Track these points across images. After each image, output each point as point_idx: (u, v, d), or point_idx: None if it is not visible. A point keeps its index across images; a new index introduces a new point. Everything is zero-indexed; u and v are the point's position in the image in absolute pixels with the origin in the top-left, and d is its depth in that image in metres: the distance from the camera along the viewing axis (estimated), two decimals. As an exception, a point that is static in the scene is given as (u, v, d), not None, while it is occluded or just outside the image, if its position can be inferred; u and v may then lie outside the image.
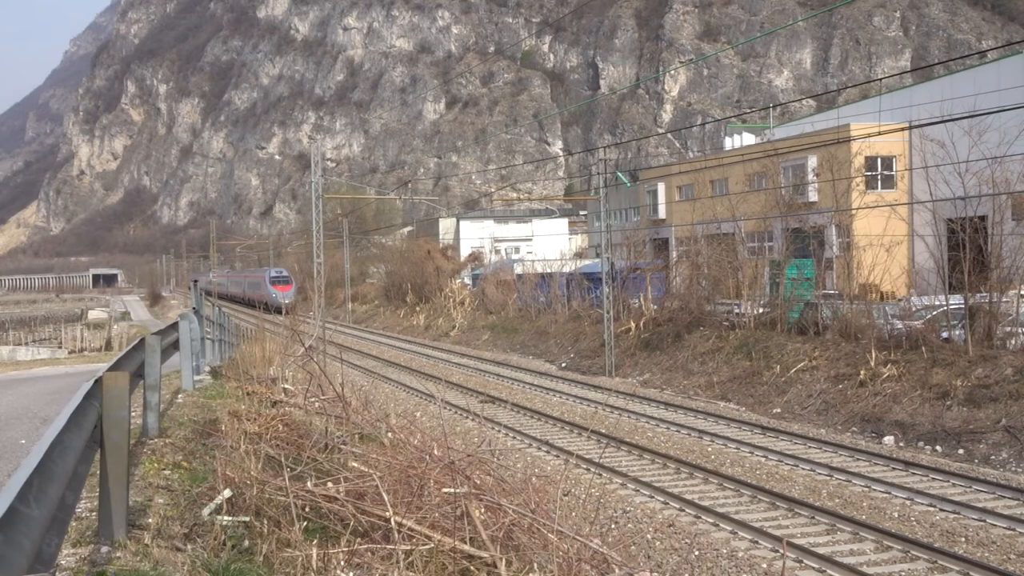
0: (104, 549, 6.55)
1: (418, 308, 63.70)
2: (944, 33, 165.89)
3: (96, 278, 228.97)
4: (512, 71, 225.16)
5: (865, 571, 12.32)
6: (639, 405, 27.07)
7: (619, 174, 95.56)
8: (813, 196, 48.17)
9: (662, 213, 64.89)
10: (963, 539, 13.83)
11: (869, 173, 45.71)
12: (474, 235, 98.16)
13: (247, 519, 7.90)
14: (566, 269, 53.44)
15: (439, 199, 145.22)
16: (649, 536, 14.09)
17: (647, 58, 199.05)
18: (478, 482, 8.73)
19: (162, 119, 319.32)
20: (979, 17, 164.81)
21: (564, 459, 18.63)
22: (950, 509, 15.08)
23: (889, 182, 47.00)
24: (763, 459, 19.19)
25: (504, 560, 7.33)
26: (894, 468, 18.26)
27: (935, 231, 33.66)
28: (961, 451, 20.24)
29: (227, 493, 8.21)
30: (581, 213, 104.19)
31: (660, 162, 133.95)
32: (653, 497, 16.48)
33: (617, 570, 7.65)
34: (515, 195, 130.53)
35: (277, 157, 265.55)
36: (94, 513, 7.11)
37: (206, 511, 7.95)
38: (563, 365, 38.97)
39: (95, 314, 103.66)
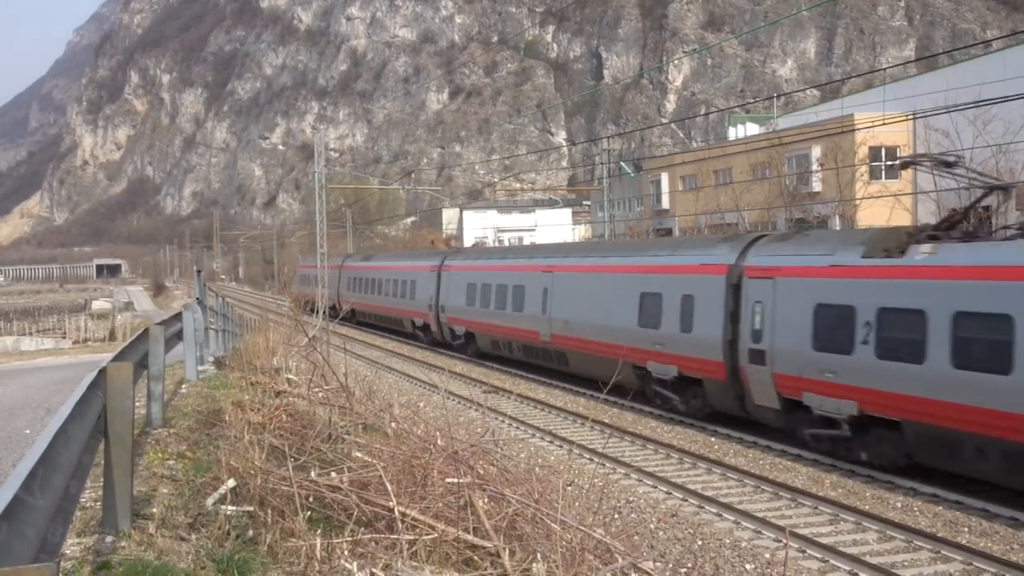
0: (108, 539, 6.58)
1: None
2: (949, 23, 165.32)
3: (100, 268, 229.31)
4: (515, 61, 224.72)
5: (868, 561, 12.33)
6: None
7: (622, 164, 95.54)
8: (817, 186, 48.10)
9: (665, 203, 64.84)
10: (966, 529, 13.84)
11: (873, 163, 45.63)
12: (477, 225, 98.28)
13: (251, 509, 7.92)
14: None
15: (442, 189, 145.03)
16: (652, 526, 14.11)
17: (651, 48, 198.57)
18: (481, 472, 8.75)
19: (165, 109, 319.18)
20: (984, 7, 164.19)
21: (567, 449, 18.65)
22: (953, 499, 15.07)
23: (893, 172, 46.90)
24: (766, 449, 19.20)
25: (507, 550, 7.34)
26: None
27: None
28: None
29: (231, 483, 8.23)
30: (584, 203, 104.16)
31: (663, 152, 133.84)
32: (656, 487, 16.51)
33: (620, 560, 7.66)
34: (518, 185, 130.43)
35: (280, 147, 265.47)
36: (98, 503, 7.13)
37: (210, 501, 7.97)
38: (566, 355, 38.93)
39: (99, 304, 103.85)
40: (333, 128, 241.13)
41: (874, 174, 45.44)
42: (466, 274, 35.39)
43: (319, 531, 7.35)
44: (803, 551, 12.75)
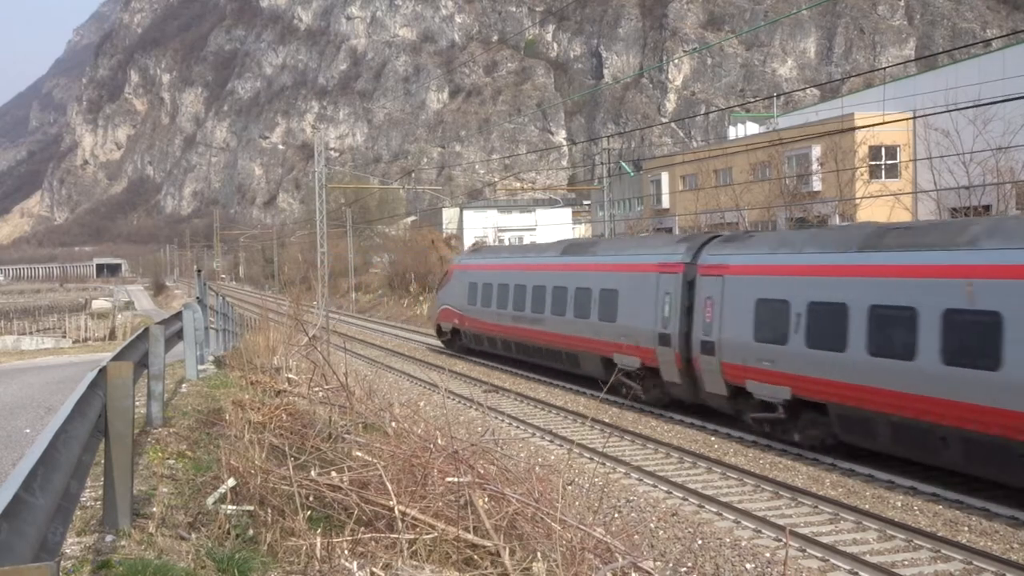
0: (109, 538, 6.58)
1: (421, 298, 63.71)
2: (949, 22, 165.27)
3: (100, 268, 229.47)
4: (516, 60, 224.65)
5: (868, 560, 12.33)
6: (642, 395, 27.03)
7: (622, 163, 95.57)
8: (817, 185, 48.06)
9: (666, 203, 64.80)
10: (966, 528, 13.84)
11: (873, 162, 45.62)
12: (477, 224, 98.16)
13: (251, 508, 7.92)
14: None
15: (442, 189, 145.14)
16: (652, 525, 14.11)
17: (651, 47, 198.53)
18: (482, 471, 8.75)
19: (165, 109, 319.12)
20: (984, 6, 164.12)
21: (568, 449, 18.64)
22: (953, 498, 15.07)
23: (893, 171, 46.90)
24: (766, 449, 19.20)
25: (508, 549, 7.34)
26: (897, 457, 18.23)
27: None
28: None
29: (231, 482, 8.22)
30: (584, 203, 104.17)
31: (664, 151, 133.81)
32: (656, 486, 16.51)
33: (620, 559, 7.66)
34: (519, 185, 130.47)
35: (280, 147, 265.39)
36: (99, 502, 7.13)
37: (210, 500, 7.97)
38: (566, 355, 38.87)
39: (99, 304, 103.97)
40: (333, 128, 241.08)
41: (874, 173, 45.44)
42: None
43: (319, 530, 7.35)
44: (803, 550, 12.75)
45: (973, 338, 14.51)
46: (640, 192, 70.98)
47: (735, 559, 12.61)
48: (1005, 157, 35.71)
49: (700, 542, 13.33)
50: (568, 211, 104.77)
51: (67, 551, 6.08)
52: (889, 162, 46.75)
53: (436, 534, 7.42)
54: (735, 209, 48.06)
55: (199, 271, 22.33)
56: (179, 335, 16.01)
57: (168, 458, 9.49)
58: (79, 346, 51.60)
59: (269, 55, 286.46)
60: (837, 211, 44.56)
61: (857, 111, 44.62)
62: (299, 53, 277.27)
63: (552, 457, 18.14)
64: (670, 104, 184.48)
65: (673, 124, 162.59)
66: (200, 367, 17.41)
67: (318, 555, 6.94)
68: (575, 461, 17.64)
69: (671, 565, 12.45)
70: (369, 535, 7.42)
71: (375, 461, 8.61)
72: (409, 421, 11.82)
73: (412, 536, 7.37)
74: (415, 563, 7.03)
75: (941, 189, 37.58)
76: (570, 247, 30.52)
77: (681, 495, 15.86)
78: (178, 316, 16.58)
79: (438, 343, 40.68)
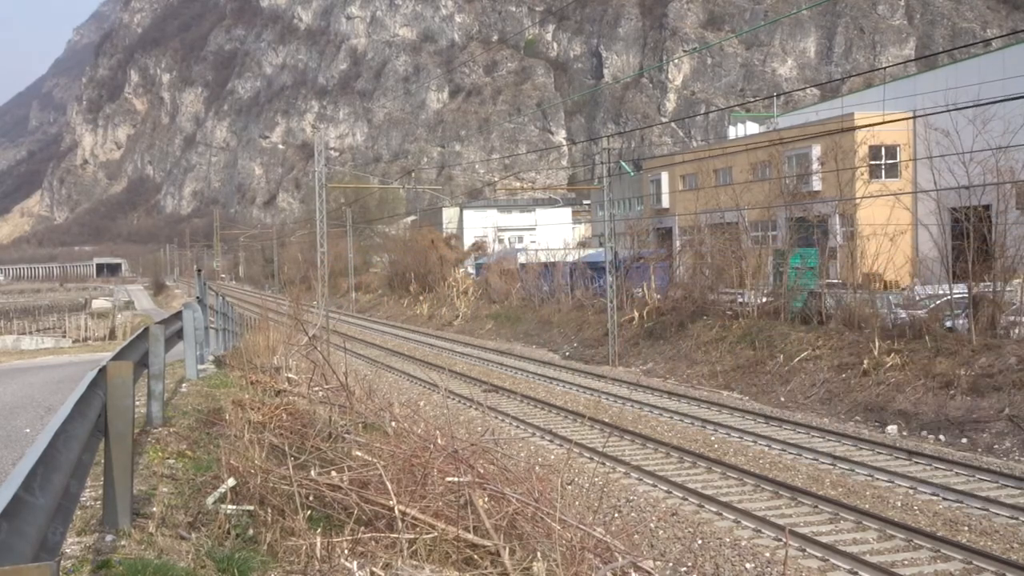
0: (108, 537, 6.57)
1: (421, 297, 63.74)
2: (949, 21, 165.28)
3: (100, 267, 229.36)
4: (516, 60, 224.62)
5: (868, 560, 12.33)
6: (642, 394, 27.07)
7: (622, 163, 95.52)
8: (817, 185, 48.10)
9: (665, 202, 64.79)
10: (966, 528, 13.84)
11: (873, 162, 45.66)
12: (477, 224, 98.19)
13: (251, 508, 7.91)
14: (569, 258, 53.43)
15: (442, 188, 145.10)
16: (652, 525, 14.11)
17: (651, 47, 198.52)
18: (481, 471, 8.75)
19: (165, 108, 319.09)
20: (984, 5, 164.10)
21: (567, 448, 18.65)
22: (953, 498, 15.08)
23: (893, 171, 46.94)
24: (766, 448, 19.20)
25: (507, 549, 7.34)
26: (897, 457, 18.26)
27: (939, 220, 33.56)
28: (964, 440, 20.24)
29: (231, 482, 8.22)
30: (584, 202, 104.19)
31: (664, 151, 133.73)
32: (656, 486, 16.50)
33: (620, 559, 7.66)
34: (518, 184, 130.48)
35: (280, 146, 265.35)
36: (99, 502, 7.13)
37: (210, 500, 7.96)
38: (566, 354, 38.97)
39: (99, 303, 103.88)
40: (333, 127, 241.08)
41: (874, 173, 45.43)
42: None
43: (319, 530, 7.34)
44: (803, 550, 12.75)
45: None
46: (640, 192, 70.95)
47: (735, 559, 12.61)
48: (1005, 157, 35.71)
49: (700, 542, 13.33)
50: (568, 211, 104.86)
51: (67, 551, 6.08)
52: (889, 162, 46.76)
53: (436, 534, 7.42)
54: (735, 209, 48.08)
55: (199, 271, 22.31)
56: (179, 335, 16.00)
57: (168, 458, 9.49)
58: (79, 346, 51.62)
59: (269, 55, 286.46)
60: (837, 211, 44.57)
61: (857, 111, 44.59)
62: (299, 53, 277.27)
63: (552, 457, 18.14)
64: (670, 104, 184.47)
65: (673, 124, 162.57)
66: (200, 367, 17.40)
67: (318, 555, 6.94)
68: (575, 461, 17.64)
69: (671, 565, 12.45)
70: (369, 535, 7.42)
71: (375, 461, 8.61)
72: (409, 421, 11.82)
73: (412, 536, 7.37)
74: (415, 563, 7.03)
75: (941, 189, 37.57)
76: None
77: (681, 495, 15.86)
78: (178, 316, 16.56)
79: (438, 339, 40.57)
